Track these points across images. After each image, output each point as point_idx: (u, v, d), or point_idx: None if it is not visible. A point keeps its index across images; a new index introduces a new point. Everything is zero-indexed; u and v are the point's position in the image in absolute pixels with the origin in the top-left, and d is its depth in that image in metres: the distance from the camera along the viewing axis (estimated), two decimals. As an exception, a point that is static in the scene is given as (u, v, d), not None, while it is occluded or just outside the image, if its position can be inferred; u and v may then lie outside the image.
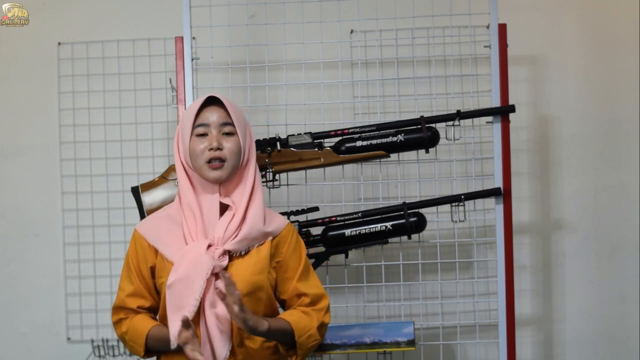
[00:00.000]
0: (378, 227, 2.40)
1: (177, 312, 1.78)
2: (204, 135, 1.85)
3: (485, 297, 2.69)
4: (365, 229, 2.40)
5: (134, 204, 2.34)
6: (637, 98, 2.89)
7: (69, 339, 2.89)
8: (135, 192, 2.30)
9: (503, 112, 2.44)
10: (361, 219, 2.42)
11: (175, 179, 2.29)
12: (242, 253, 1.86)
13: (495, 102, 2.44)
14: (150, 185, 2.31)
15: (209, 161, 1.82)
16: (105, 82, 2.90)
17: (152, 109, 2.89)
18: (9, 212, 2.93)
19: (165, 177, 2.32)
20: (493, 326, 2.58)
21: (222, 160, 1.83)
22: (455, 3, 2.55)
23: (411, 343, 2.42)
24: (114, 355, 2.87)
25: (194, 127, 1.85)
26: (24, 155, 2.93)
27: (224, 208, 1.87)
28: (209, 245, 1.81)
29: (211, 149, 1.82)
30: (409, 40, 2.61)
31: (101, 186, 2.89)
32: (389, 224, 2.40)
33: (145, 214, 2.26)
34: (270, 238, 1.90)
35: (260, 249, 1.88)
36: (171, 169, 2.32)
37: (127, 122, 2.89)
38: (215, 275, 1.81)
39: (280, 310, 1.97)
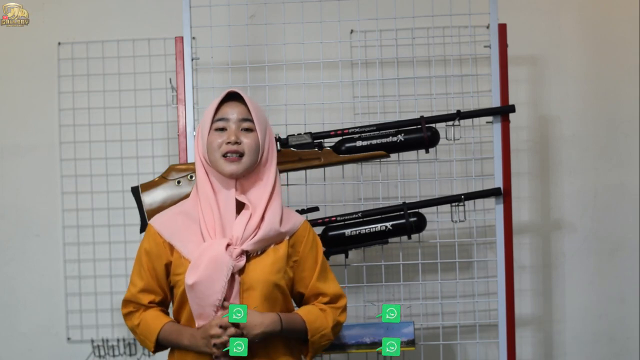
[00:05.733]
0: (378, 227, 2.40)
1: (199, 312, 1.80)
2: (222, 129, 1.85)
3: (485, 297, 2.68)
4: (365, 229, 2.39)
5: (134, 204, 2.34)
6: (637, 98, 2.89)
7: (69, 339, 2.89)
8: (135, 192, 2.30)
9: (503, 112, 2.43)
10: (361, 219, 2.41)
11: (175, 179, 2.29)
12: (259, 252, 1.86)
13: (495, 102, 2.44)
14: (150, 185, 2.30)
15: (225, 155, 1.82)
16: (105, 82, 2.90)
17: (152, 109, 2.89)
18: (9, 212, 2.93)
19: (165, 177, 2.31)
20: (493, 326, 2.57)
21: (240, 154, 1.82)
22: (455, 3, 2.55)
23: (411, 343, 2.42)
24: (114, 355, 2.87)
25: (213, 121, 1.85)
26: (24, 155, 2.93)
27: (240, 206, 1.86)
28: (228, 245, 1.81)
29: (229, 142, 1.82)
30: (409, 40, 2.61)
31: (101, 186, 2.89)
32: (389, 224, 2.39)
33: (145, 214, 2.26)
34: (287, 237, 1.89)
35: (277, 249, 1.87)
36: (171, 168, 2.32)
37: (127, 122, 2.89)
38: (232, 275, 1.80)
39: (295, 307, 1.97)
